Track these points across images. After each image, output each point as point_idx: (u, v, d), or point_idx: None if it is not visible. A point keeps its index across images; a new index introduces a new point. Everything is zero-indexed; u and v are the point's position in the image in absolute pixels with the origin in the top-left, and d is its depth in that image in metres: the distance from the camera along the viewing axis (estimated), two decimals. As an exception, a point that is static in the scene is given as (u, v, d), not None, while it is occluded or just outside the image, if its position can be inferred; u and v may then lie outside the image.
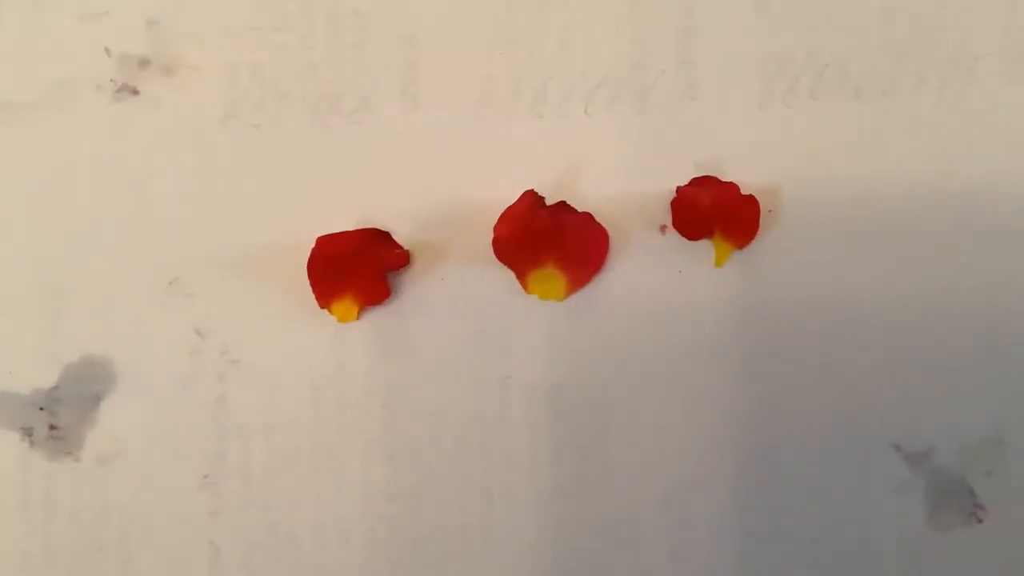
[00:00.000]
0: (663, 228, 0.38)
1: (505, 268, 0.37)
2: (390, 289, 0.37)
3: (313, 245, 0.37)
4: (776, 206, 0.37)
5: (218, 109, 0.39)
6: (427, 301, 0.38)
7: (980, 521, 0.36)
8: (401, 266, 0.38)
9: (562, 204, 0.37)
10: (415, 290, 0.38)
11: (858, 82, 0.38)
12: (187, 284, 0.38)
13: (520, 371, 0.37)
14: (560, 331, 0.37)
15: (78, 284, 0.38)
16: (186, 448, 0.37)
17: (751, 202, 0.37)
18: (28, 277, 0.38)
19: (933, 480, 0.36)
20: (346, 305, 0.37)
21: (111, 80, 0.39)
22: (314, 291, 0.37)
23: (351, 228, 0.37)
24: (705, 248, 0.37)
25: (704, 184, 0.37)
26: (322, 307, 0.37)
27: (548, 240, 0.37)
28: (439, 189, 0.38)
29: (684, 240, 0.37)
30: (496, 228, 0.37)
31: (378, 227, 0.38)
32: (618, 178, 0.38)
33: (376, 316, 0.38)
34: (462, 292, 0.38)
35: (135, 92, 0.39)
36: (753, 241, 0.37)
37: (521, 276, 0.37)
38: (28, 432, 0.37)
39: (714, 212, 0.37)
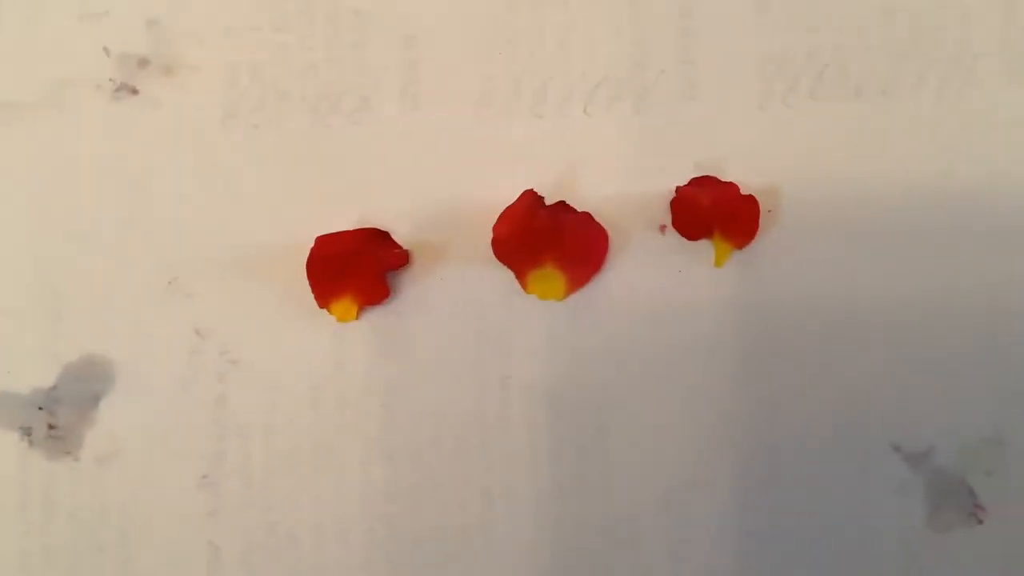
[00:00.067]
0: (663, 228, 0.38)
1: (504, 268, 0.37)
2: (389, 289, 0.37)
3: (312, 245, 0.37)
4: (776, 206, 0.37)
5: (218, 109, 0.39)
6: (426, 301, 0.38)
7: (980, 521, 0.36)
8: (400, 266, 0.38)
9: (561, 204, 0.37)
10: (414, 290, 0.38)
11: (858, 82, 0.38)
12: (186, 284, 0.38)
13: (519, 371, 0.37)
14: (559, 331, 0.37)
15: (77, 284, 0.38)
16: (185, 448, 0.37)
17: (751, 202, 0.37)
18: (27, 277, 0.38)
19: (933, 480, 0.36)
20: (345, 305, 0.37)
21: (110, 80, 0.39)
22: (313, 291, 0.37)
23: (350, 228, 0.37)
24: (705, 248, 0.37)
25: (704, 184, 0.37)
26: (321, 307, 0.37)
27: (547, 240, 0.37)
28: (438, 189, 0.38)
29: (684, 240, 0.37)
30: (495, 228, 0.37)
31: (377, 227, 0.38)
32: (618, 178, 0.38)
33: (375, 316, 0.38)
34: (461, 292, 0.38)
35: (134, 92, 0.39)
36: (753, 241, 0.37)
37: (520, 276, 0.37)
38: (27, 432, 0.37)
39: (714, 212, 0.37)
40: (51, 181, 0.38)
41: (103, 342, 0.38)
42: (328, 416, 0.37)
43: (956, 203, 0.37)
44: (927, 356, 0.37)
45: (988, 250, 0.37)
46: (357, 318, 0.37)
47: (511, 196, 0.37)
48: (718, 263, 0.37)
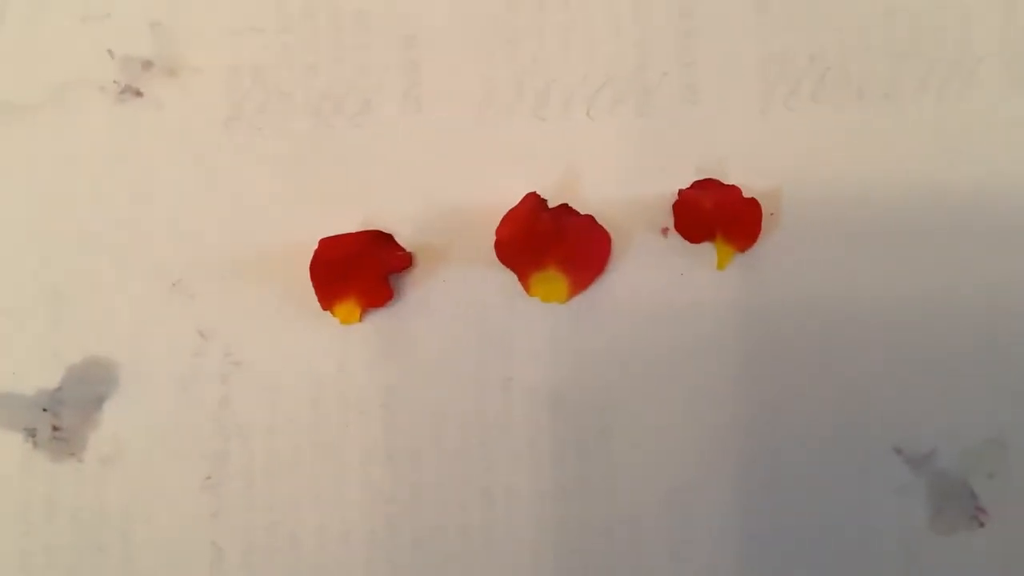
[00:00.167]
0: (665, 231, 0.38)
1: (507, 270, 0.37)
2: (392, 291, 0.37)
3: (316, 247, 0.37)
4: (778, 209, 0.38)
5: (221, 111, 0.39)
6: (429, 303, 0.38)
7: (982, 524, 0.36)
8: (403, 268, 0.38)
9: (564, 207, 0.37)
10: (417, 292, 0.38)
11: (860, 85, 0.38)
12: (190, 286, 0.38)
13: (522, 373, 0.37)
14: (562, 333, 0.37)
15: (81, 286, 0.38)
16: (188, 449, 0.37)
17: (753, 205, 0.37)
18: (31, 278, 0.38)
19: (935, 483, 0.36)
20: (348, 307, 0.37)
21: (114, 82, 0.39)
22: (317, 293, 0.37)
23: (354, 230, 0.38)
24: (707, 251, 0.37)
25: (706, 187, 0.37)
26: (324, 309, 0.37)
27: (550, 242, 0.37)
28: (441, 191, 0.38)
29: (686, 243, 0.37)
30: (498, 230, 0.37)
31: (381, 229, 0.38)
32: (620, 181, 0.38)
33: (378, 318, 0.38)
34: (464, 294, 0.38)
35: (138, 94, 0.39)
36: (755, 244, 0.37)
37: (523, 278, 0.37)
38: (31, 433, 0.38)
39: (716, 215, 0.37)
40: (55, 183, 0.39)
41: (107, 344, 0.38)
42: (331, 418, 0.37)
43: (958, 205, 0.37)
44: (928, 358, 0.37)
45: (990, 252, 0.37)
46: (360, 320, 0.37)
47: (514, 198, 0.37)
48: (720, 266, 0.37)
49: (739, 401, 0.37)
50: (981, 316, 0.37)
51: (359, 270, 0.37)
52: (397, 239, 0.37)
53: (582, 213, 0.37)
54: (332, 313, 0.37)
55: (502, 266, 0.37)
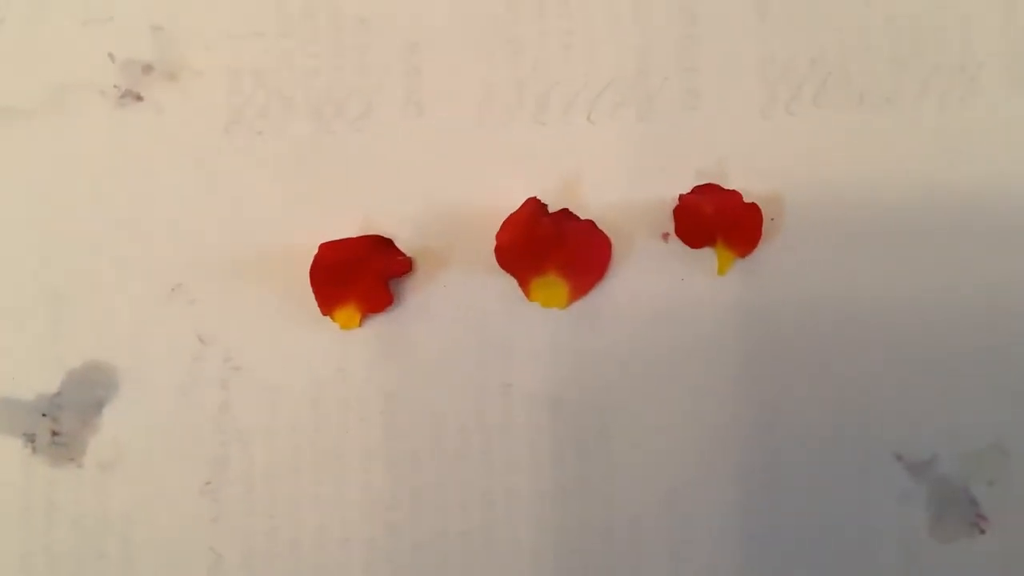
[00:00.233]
0: (665, 236, 0.38)
1: (507, 275, 0.37)
2: (392, 296, 0.37)
3: (316, 252, 0.37)
4: (778, 214, 0.37)
5: (221, 115, 0.39)
6: (429, 308, 0.38)
7: (982, 531, 0.36)
8: (403, 273, 0.38)
9: (565, 211, 0.37)
10: (417, 297, 0.38)
11: (861, 89, 0.38)
12: (190, 290, 0.38)
13: (522, 378, 0.37)
14: (562, 338, 0.37)
15: (81, 290, 0.38)
16: (188, 454, 0.37)
17: (753, 210, 0.37)
18: (31, 283, 0.38)
19: (935, 489, 0.36)
20: (348, 312, 0.37)
21: (115, 86, 0.39)
22: (316, 298, 0.37)
23: (354, 235, 0.38)
24: (707, 256, 0.37)
25: (707, 192, 0.37)
26: (324, 314, 0.37)
27: (550, 247, 0.37)
28: (442, 196, 0.38)
29: (686, 248, 0.37)
30: (498, 235, 0.37)
31: (381, 234, 0.38)
32: (621, 185, 0.38)
33: (378, 323, 0.38)
34: (464, 299, 0.38)
35: (139, 98, 0.39)
36: (755, 249, 0.37)
37: (523, 283, 0.37)
38: (31, 438, 0.38)
39: (716, 220, 0.37)
40: (55, 187, 0.39)
41: (106, 349, 0.38)
42: (330, 423, 0.37)
43: (959, 210, 0.37)
44: (929, 364, 0.37)
45: (990, 257, 0.37)
46: (360, 325, 0.37)
47: (514, 203, 0.37)
48: (721, 271, 0.37)
49: (739, 406, 0.37)
50: (981, 322, 0.37)
51: (359, 275, 0.37)
52: (397, 244, 0.37)
53: (582, 218, 0.37)
54: (332, 318, 0.37)
55: (502, 271, 0.37)
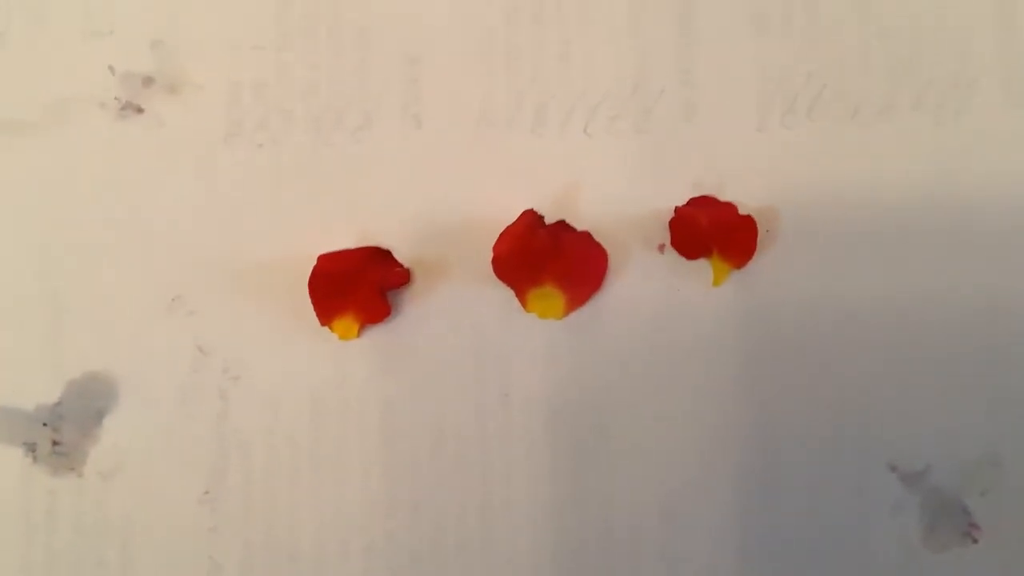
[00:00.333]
0: (661, 247, 0.38)
1: (505, 286, 0.37)
2: (390, 307, 0.38)
3: (314, 263, 0.37)
4: (773, 226, 0.38)
5: (221, 127, 0.39)
6: (427, 319, 0.38)
7: (975, 541, 0.36)
8: (402, 284, 0.38)
9: (561, 223, 0.37)
10: (415, 308, 0.38)
11: (856, 103, 0.38)
12: (189, 301, 0.38)
13: (519, 388, 0.37)
14: (559, 349, 0.38)
15: (81, 300, 0.38)
16: (187, 464, 0.37)
17: (749, 222, 0.37)
18: (31, 293, 0.38)
19: (929, 500, 0.37)
20: (347, 323, 0.37)
21: (115, 98, 0.39)
22: (315, 309, 0.37)
23: (352, 246, 0.38)
24: (703, 268, 0.38)
25: (702, 204, 0.37)
26: (323, 324, 0.37)
27: (547, 259, 0.37)
28: (440, 207, 0.38)
29: (682, 259, 0.38)
30: (496, 246, 0.37)
31: (379, 245, 0.38)
32: (617, 197, 0.38)
33: (376, 334, 0.38)
34: (462, 310, 0.38)
35: (139, 110, 0.39)
36: (750, 261, 0.37)
37: (520, 294, 0.37)
38: (31, 448, 0.38)
39: (712, 232, 0.37)
40: (55, 199, 0.39)
41: (107, 359, 0.38)
42: (329, 433, 0.37)
43: (954, 223, 0.38)
44: (923, 375, 0.37)
45: (985, 270, 0.37)
46: (358, 336, 0.37)
47: (511, 215, 0.37)
48: (716, 282, 0.37)
49: (734, 417, 0.37)
50: (975, 334, 0.37)
51: (357, 286, 0.37)
52: (395, 255, 0.38)
53: (579, 229, 0.37)
54: (330, 329, 0.37)
55: (499, 282, 0.37)
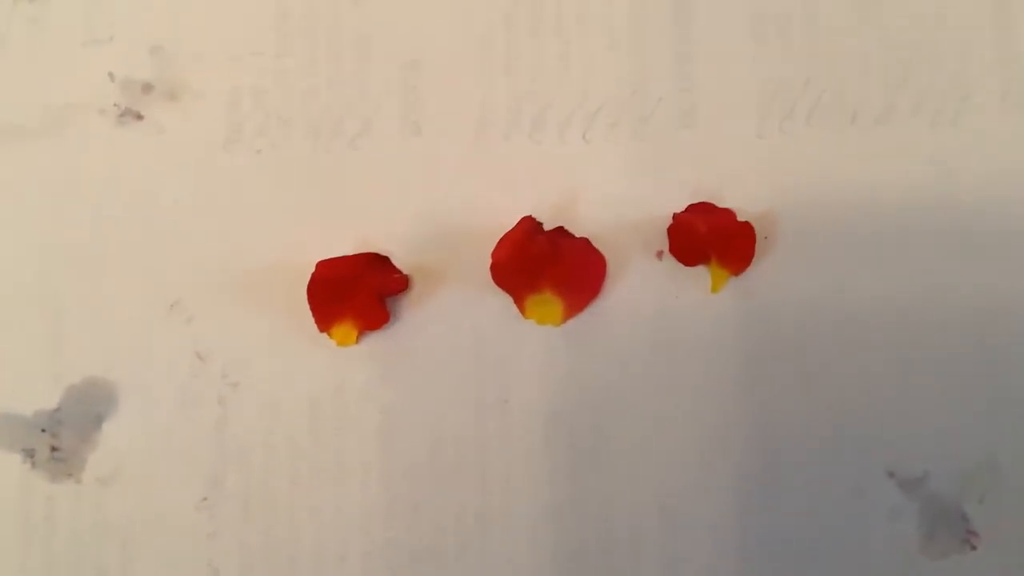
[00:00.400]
0: (660, 254, 0.38)
1: (503, 293, 0.37)
2: (389, 313, 0.38)
3: (313, 269, 0.37)
4: (772, 233, 0.38)
5: (220, 134, 0.39)
6: (426, 325, 0.38)
7: (974, 548, 0.36)
8: (400, 291, 0.38)
9: (560, 229, 0.37)
10: (414, 314, 0.38)
11: (854, 109, 0.38)
12: (188, 307, 0.38)
13: (517, 395, 0.37)
14: (557, 355, 0.38)
15: (80, 306, 0.38)
16: (186, 470, 0.37)
17: (747, 229, 0.37)
18: (30, 299, 0.38)
19: (927, 506, 0.36)
20: (345, 329, 0.37)
21: (115, 105, 0.39)
22: (314, 315, 0.37)
23: (351, 252, 0.38)
24: (701, 274, 0.38)
25: (700, 210, 0.37)
26: (322, 331, 0.37)
27: (546, 265, 0.37)
28: (438, 214, 0.38)
29: (681, 266, 0.38)
30: (494, 253, 0.37)
31: (378, 251, 0.38)
32: (616, 204, 0.38)
33: (375, 340, 0.38)
34: (460, 316, 0.38)
35: (139, 117, 0.39)
36: (749, 267, 0.37)
37: (519, 301, 0.37)
38: (30, 453, 0.38)
39: (710, 238, 0.37)
40: (55, 205, 0.39)
41: (105, 365, 0.38)
42: (327, 439, 0.38)
43: (952, 230, 0.38)
44: (921, 382, 0.37)
45: (983, 276, 0.37)
46: (357, 342, 0.37)
47: (510, 221, 0.37)
48: (714, 289, 0.37)
49: (732, 423, 0.37)
50: (974, 340, 0.37)
51: (356, 292, 0.37)
52: (394, 261, 0.38)
53: (577, 236, 0.37)
54: (329, 335, 0.37)
55: (498, 289, 0.37)
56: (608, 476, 0.37)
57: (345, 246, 0.38)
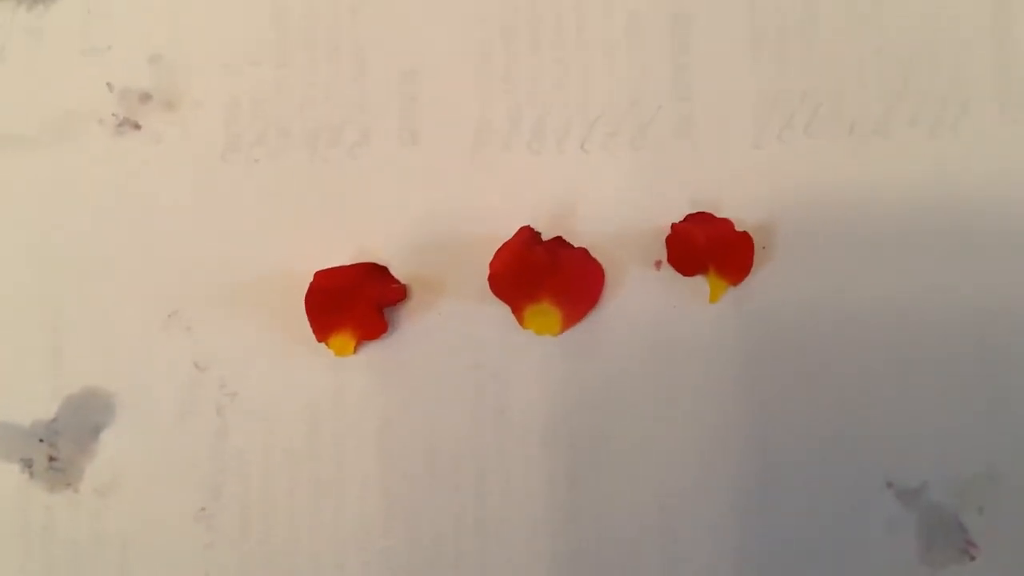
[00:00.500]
0: (658, 264, 0.38)
1: (501, 303, 0.37)
2: (387, 323, 0.38)
3: (311, 279, 0.37)
4: (770, 242, 0.38)
5: (219, 143, 0.39)
6: (424, 335, 0.38)
7: (972, 558, 0.36)
8: (398, 300, 0.38)
9: (558, 239, 0.37)
10: (412, 324, 0.38)
11: (852, 119, 0.38)
12: (186, 317, 0.38)
13: (516, 405, 0.37)
14: (555, 366, 0.38)
15: (78, 317, 0.38)
16: (184, 480, 0.37)
17: (745, 238, 0.37)
18: (29, 309, 0.38)
19: (925, 517, 0.36)
20: (343, 339, 0.37)
21: (113, 114, 0.39)
22: (312, 325, 0.37)
23: (349, 262, 0.38)
24: (700, 284, 0.38)
25: (699, 220, 0.37)
26: (320, 341, 0.37)
27: (544, 275, 0.37)
28: (436, 224, 0.38)
29: (679, 276, 0.38)
30: (492, 263, 0.37)
31: (375, 261, 0.38)
32: (614, 214, 0.38)
33: (373, 350, 0.38)
34: (458, 327, 0.38)
35: (137, 126, 0.39)
36: (747, 277, 0.37)
37: (517, 311, 0.37)
38: (28, 463, 0.38)
39: (709, 248, 0.37)
40: (53, 214, 0.39)
41: (103, 375, 0.38)
42: (326, 449, 0.37)
43: (950, 239, 0.38)
44: (920, 392, 0.37)
45: (982, 287, 0.37)
46: (355, 352, 0.37)
47: (508, 231, 0.37)
48: (713, 299, 0.37)
49: (730, 434, 0.37)
50: (971, 350, 0.37)
51: (354, 302, 0.37)
52: (392, 271, 0.38)
53: (576, 246, 0.37)
54: (327, 345, 0.37)
55: (496, 299, 0.37)
56: (606, 486, 0.37)
57: (343, 256, 0.38)
